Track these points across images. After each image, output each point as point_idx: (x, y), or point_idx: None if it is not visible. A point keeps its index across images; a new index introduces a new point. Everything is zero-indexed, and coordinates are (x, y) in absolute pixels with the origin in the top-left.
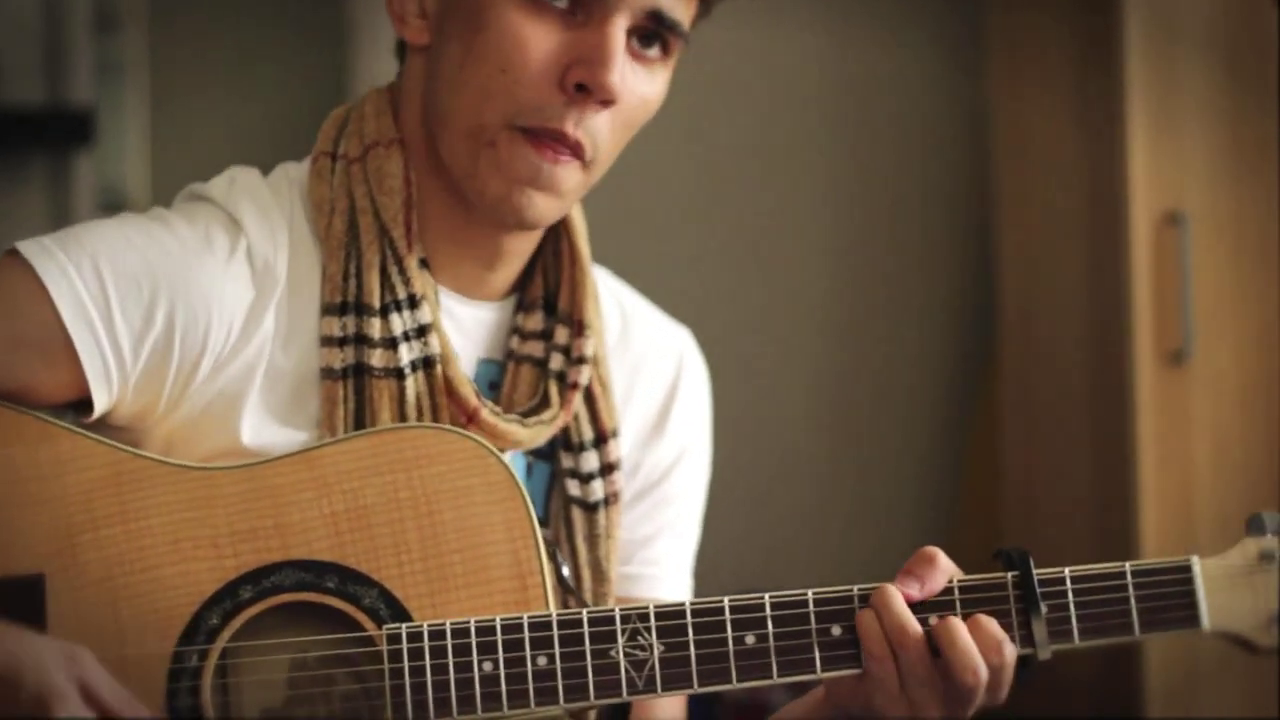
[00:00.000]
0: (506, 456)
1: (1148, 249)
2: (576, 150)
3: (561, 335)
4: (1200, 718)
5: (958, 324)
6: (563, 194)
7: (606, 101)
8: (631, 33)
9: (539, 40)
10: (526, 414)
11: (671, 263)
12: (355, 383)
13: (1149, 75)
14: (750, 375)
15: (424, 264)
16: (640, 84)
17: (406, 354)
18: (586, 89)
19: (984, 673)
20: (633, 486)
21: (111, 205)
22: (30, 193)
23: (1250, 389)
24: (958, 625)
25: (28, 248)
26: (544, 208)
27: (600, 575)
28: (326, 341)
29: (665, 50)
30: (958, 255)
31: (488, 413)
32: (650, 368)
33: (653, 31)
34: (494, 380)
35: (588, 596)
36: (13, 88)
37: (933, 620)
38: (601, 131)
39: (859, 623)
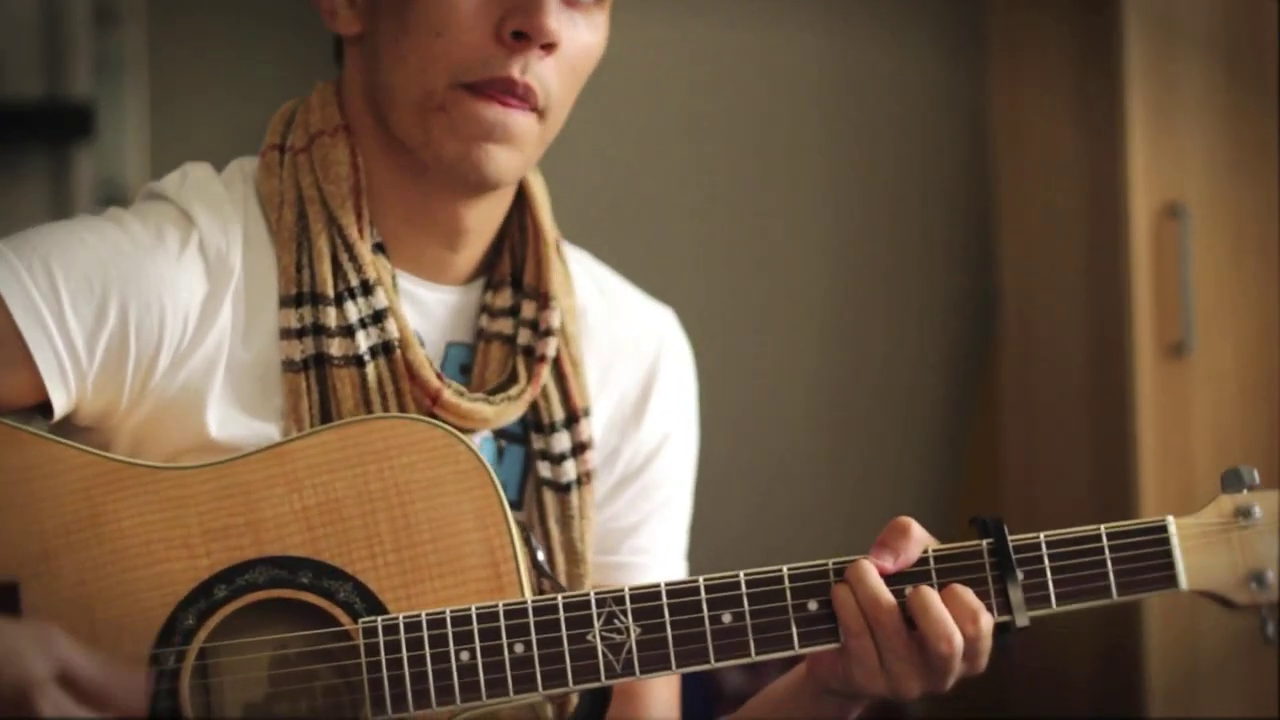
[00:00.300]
0: (476, 441)
1: (1147, 242)
2: (527, 95)
3: (528, 309)
4: (1201, 718)
5: (957, 319)
6: (521, 145)
7: (548, 46)
8: None
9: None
10: (493, 391)
11: (671, 262)
12: (317, 373)
13: (1148, 69)
14: (749, 374)
15: (379, 249)
16: (580, 32)
17: (364, 341)
18: (525, 35)
19: (958, 641)
20: (614, 473)
21: (111, 199)
22: (30, 187)
23: (1251, 382)
24: (930, 594)
25: None
26: (504, 161)
27: (574, 557)
28: (285, 334)
29: None
30: (957, 251)
31: (450, 393)
32: (629, 350)
33: None
34: (464, 363)
35: (562, 579)
36: (12, 82)
37: (908, 591)
38: (549, 78)
39: (834, 598)
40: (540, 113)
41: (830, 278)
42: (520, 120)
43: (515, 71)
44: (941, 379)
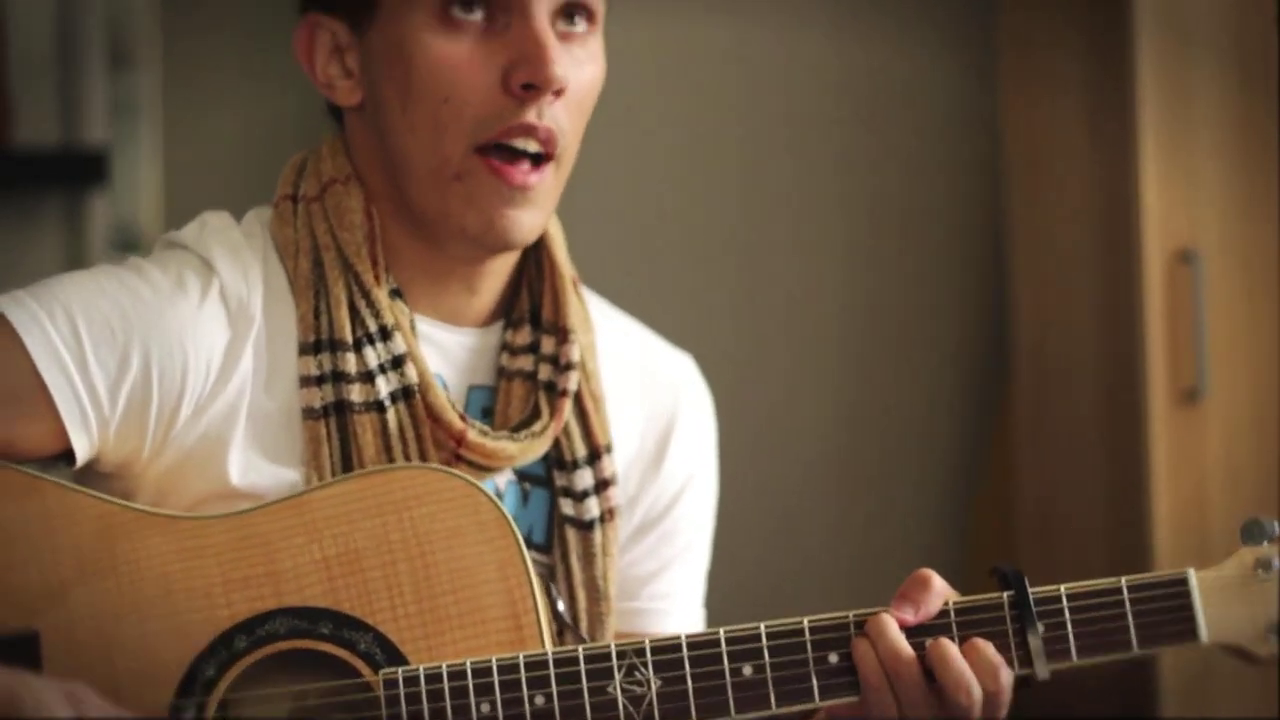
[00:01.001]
0: (501, 486)
1: (1161, 286)
2: (548, 141)
3: (548, 345)
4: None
5: (971, 361)
6: (541, 203)
7: (558, 91)
8: (554, 16)
9: (469, 58)
10: (516, 428)
11: (682, 304)
12: (338, 420)
13: (1163, 114)
14: (763, 419)
15: (396, 294)
16: (583, 68)
17: (384, 386)
18: (534, 86)
19: (977, 693)
20: (635, 520)
21: (126, 243)
22: (46, 232)
23: (1264, 427)
24: (949, 647)
25: (1, 301)
26: (527, 223)
27: (596, 594)
28: (305, 381)
29: (590, 19)
30: (971, 293)
31: (475, 433)
32: (649, 397)
33: (571, 6)
34: (487, 405)
35: (583, 616)
36: (29, 129)
37: (928, 644)
38: (561, 119)
39: (855, 651)
40: (556, 159)
41: (843, 322)
42: (537, 180)
43: (532, 117)
44: (955, 417)
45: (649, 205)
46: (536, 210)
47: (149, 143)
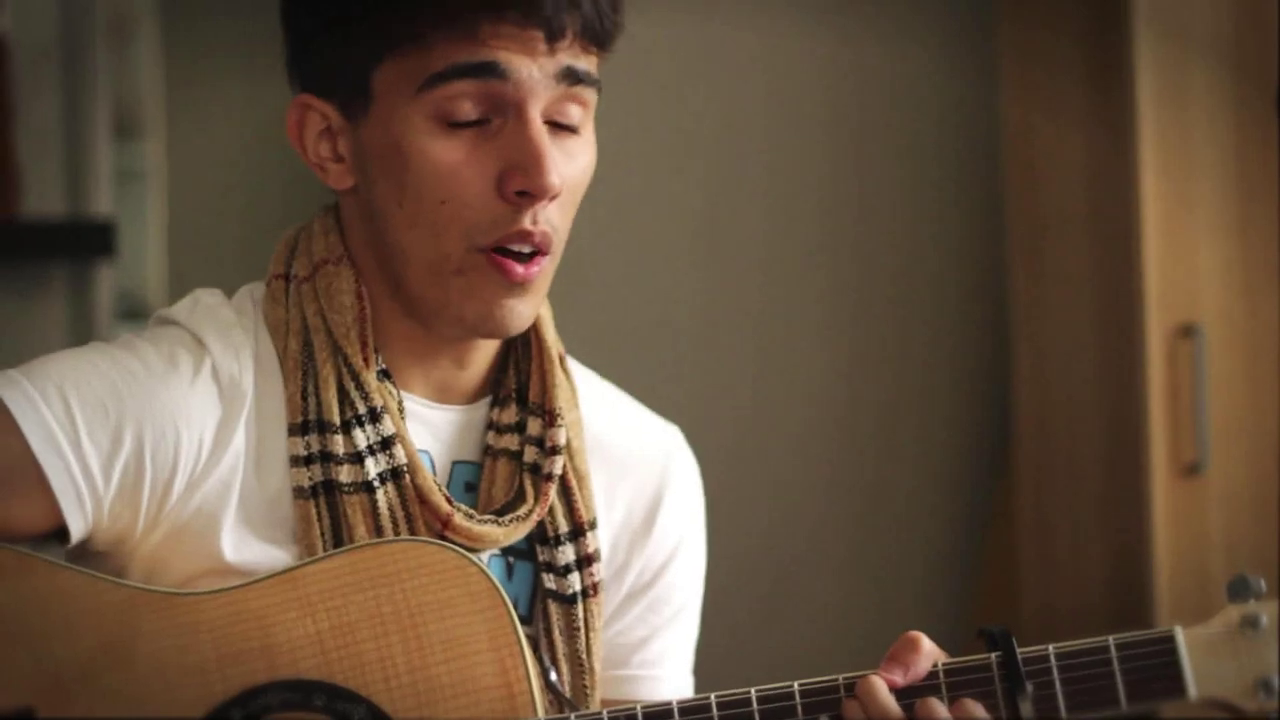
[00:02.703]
0: (485, 558)
1: (1162, 361)
2: (543, 243)
3: (534, 427)
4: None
5: (972, 435)
6: (538, 291)
7: (553, 197)
8: (549, 109)
9: (466, 162)
10: (501, 512)
11: (678, 369)
12: (327, 499)
13: (1163, 188)
14: (762, 480)
15: (385, 374)
16: (574, 160)
17: (374, 467)
18: (529, 194)
19: None
20: (624, 588)
21: (132, 313)
22: (52, 301)
23: (1265, 501)
24: (937, 706)
25: None
26: (525, 311)
27: (580, 668)
28: (294, 461)
29: (583, 107)
30: (972, 365)
31: (460, 517)
32: (636, 466)
33: (566, 99)
34: (470, 481)
35: (567, 690)
36: (36, 199)
37: (916, 705)
38: (555, 217)
39: (845, 714)
40: (552, 254)
41: (842, 387)
42: (536, 271)
43: (527, 223)
44: (956, 490)
45: (633, 230)
46: (533, 298)
47: (154, 213)
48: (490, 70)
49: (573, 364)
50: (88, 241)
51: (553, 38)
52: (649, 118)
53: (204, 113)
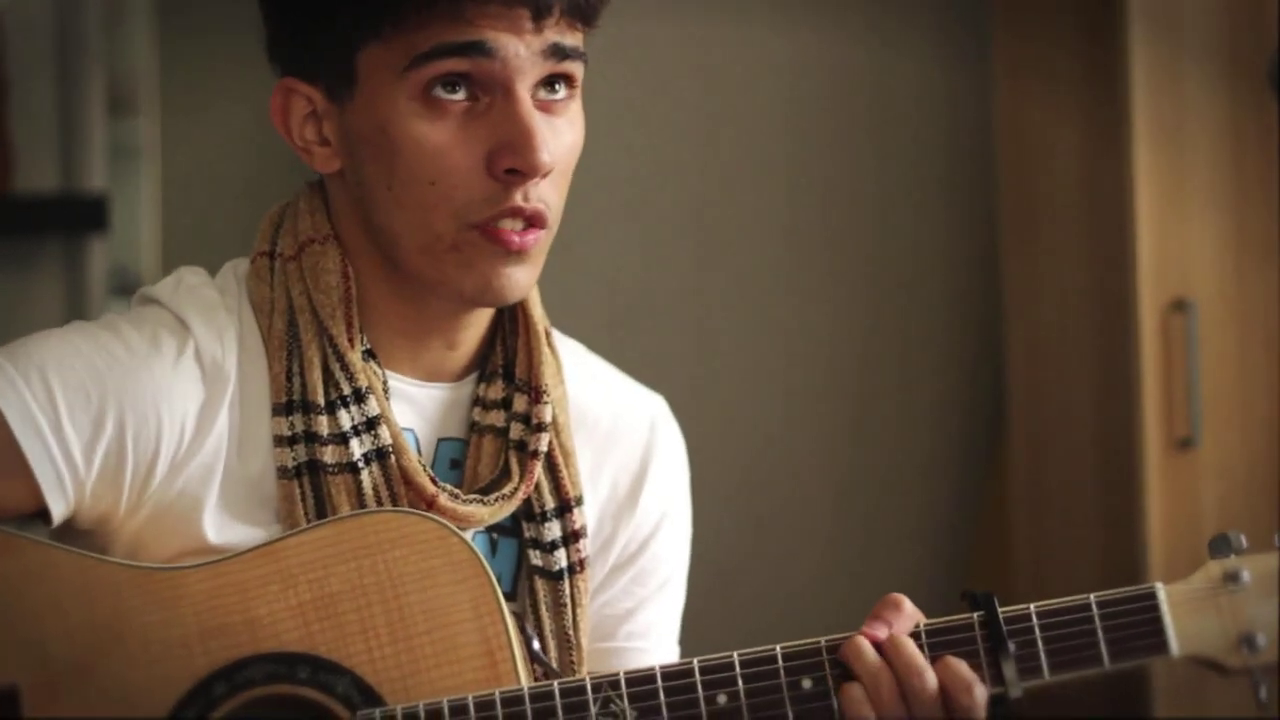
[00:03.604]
0: (469, 534)
1: (1155, 336)
2: (536, 219)
3: (520, 403)
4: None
5: (966, 411)
6: (536, 260)
7: (544, 174)
8: (535, 85)
9: (454, 142)
10: (487, 490)
11: (670, 347)
12: (311, 480)
13: (1156, 163)
14: (754, 463)
15: (370, 355)
16: (562, 136)
17: (358, 448)
18: (520, 172)
19: (931, 680)
20: (610, 559)
21: (125, 288)
22: (45, 277)
23: (1258, 476)
24: (910, 648)
25: None
26: (524, 279)
27: (567, 644)
28: (278, 441)
29: (571, 84)
30: (966, 341)
31: (445, 498)
32: (622, 437)
33: (553, 75)
34: (455, 458)
35: (555, 667)
36: (29, 175)
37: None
38: (549, 193)
39: (844, 691)
40: (548, 226)
41: (835, 369)
42: (533, 240)
43: (519, 200)
44: (949, 468)
45: (632, 217)
46: (531, 267)
47: (148, 188)
48: (477, 49)
49: (559, 337)
50: (81, 217)
51: (539, 15)
52: (648, 113)
53: (198, 89)
